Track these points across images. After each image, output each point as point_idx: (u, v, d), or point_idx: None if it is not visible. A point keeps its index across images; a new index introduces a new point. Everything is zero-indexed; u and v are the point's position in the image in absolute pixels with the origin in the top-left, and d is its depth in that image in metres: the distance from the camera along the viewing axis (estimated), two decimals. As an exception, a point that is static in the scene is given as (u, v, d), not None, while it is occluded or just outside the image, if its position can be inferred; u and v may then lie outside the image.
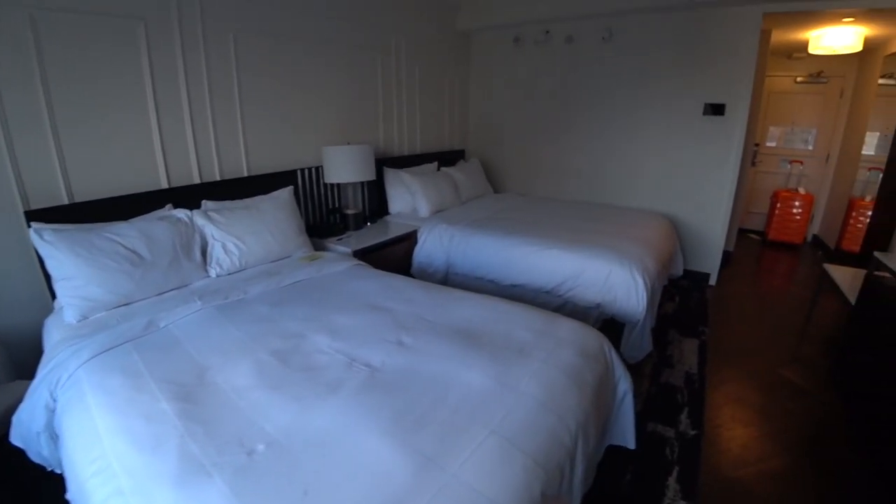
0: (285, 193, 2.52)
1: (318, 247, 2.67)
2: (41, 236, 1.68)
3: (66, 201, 1.89)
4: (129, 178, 2.07)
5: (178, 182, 2.27)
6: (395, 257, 2.92)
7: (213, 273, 2.09)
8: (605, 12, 3.36)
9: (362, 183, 3.16)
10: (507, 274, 2.62)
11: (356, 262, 2.28)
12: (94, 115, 1.94)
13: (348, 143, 2.87)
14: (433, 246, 2.91)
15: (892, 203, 3.31)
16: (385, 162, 3.39)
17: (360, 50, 3.12)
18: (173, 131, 2.21)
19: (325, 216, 3.01)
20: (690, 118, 3.33)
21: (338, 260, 2.27)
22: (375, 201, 3.37)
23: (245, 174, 2.56)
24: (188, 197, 2.22)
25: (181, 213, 2.08)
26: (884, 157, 3.51)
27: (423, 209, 3.23)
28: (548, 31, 3.74)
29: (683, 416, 2.00)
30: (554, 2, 3.47)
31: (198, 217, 2.09)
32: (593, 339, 1.59)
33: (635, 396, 1.67)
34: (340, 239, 2.76)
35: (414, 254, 2.98)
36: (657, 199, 3.60)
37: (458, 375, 1.31)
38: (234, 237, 2.15)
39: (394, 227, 3.04)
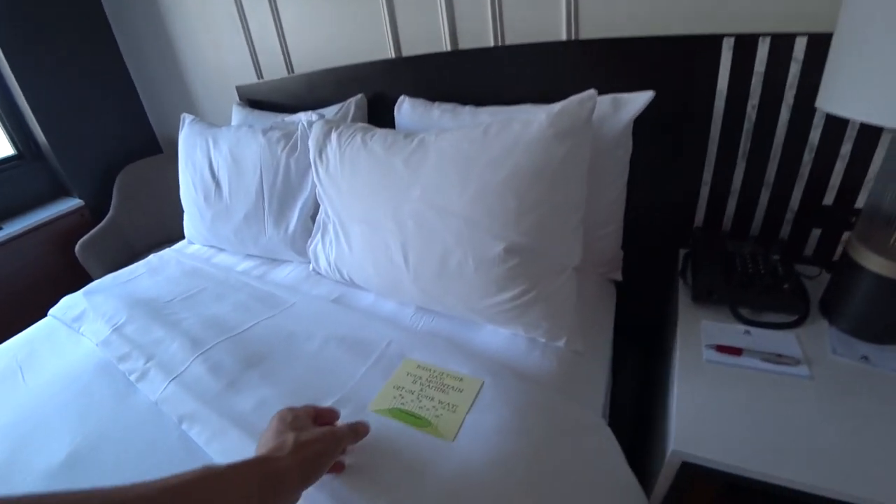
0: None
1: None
2: (183, 123, 1.20)
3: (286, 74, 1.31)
4: (353, 45, 1.15)
5: (412, 49, 1.07)
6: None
7: (312, 264, 0.96)
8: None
9: None
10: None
11: None
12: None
13: None
14: None
15: None
16: None
17: None
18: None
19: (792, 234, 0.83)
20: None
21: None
22: None
23: (563, 37, 0.89)
24: (399, 76, 1.06)
25: (304, 121, 0.97)
26: None
27: None
28: None
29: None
30: None
31: (312, 140, 0.89)
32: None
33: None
34: (782, 324, 0.66)
35: None
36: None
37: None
38: (336, 213, 0.85)
39: None
